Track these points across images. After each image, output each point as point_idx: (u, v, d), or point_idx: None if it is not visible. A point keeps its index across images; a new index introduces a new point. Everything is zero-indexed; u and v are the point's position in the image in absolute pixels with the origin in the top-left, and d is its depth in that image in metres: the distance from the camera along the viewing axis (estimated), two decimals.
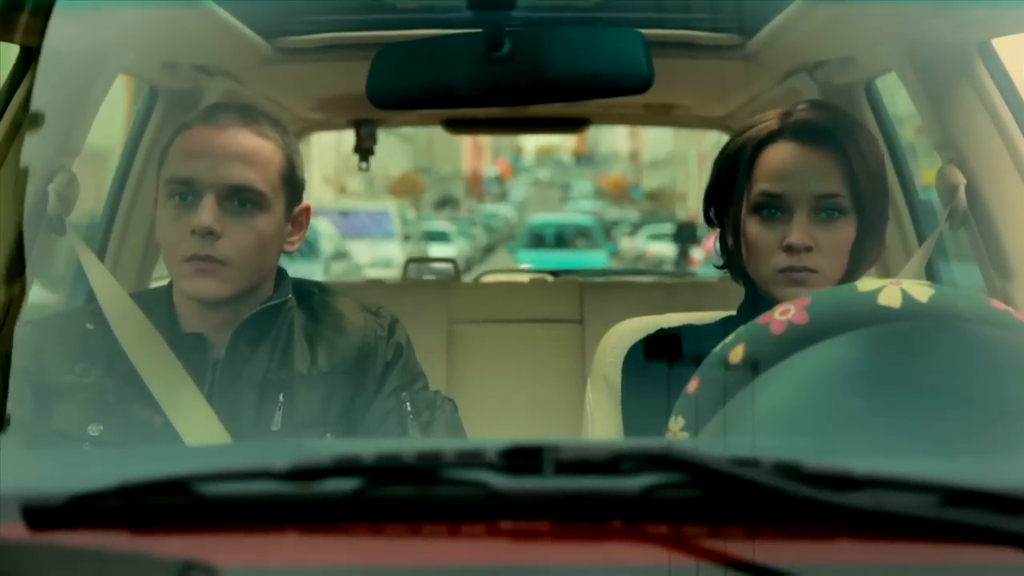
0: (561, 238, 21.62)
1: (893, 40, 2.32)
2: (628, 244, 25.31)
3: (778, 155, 1.85)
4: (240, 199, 1.81)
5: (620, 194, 44.74)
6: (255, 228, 1.83)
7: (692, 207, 28.28)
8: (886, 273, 2.92)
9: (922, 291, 1.40)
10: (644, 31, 2.03)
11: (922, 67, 2.29)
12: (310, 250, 13.63)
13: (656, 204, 38.51)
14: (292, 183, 1.89)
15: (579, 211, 34.66)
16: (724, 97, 3.71)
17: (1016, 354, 1.37)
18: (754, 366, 1.39)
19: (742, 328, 1.44)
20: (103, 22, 2.15)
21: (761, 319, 1.43)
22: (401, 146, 37.45)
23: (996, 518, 1.01)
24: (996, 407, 1.33)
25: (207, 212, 1.78)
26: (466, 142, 42.56)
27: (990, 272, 2.23)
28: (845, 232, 1.82)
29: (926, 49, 2.26)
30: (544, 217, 26.16)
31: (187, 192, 1.81)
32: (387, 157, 32.94)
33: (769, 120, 1.88)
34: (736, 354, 1.41)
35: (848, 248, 1.83)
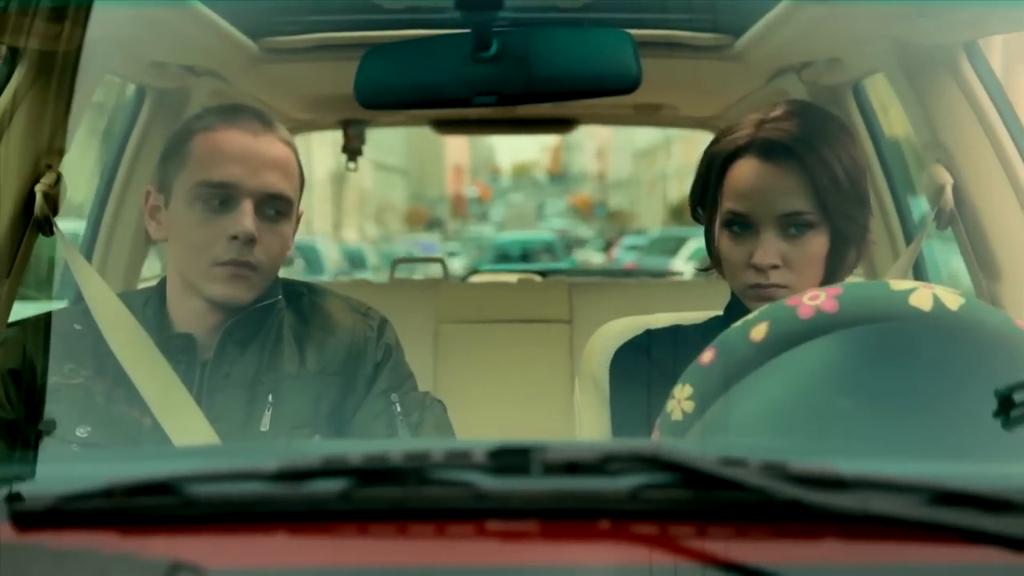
0: (525, 254, 22.53)
1: (880, 40, 2.32)
2: (581, 256, 29.69)
3: (742, 173, 1.82)
4: (274, 207, 1.83)
5: (588, 212, 46.40)
6: (282, 235, 1.85)
7: (641, 224, 37.03)
8: (872, 274, 2.93)
9: (953, 299, 1.38)
10: (632, 31, 2.03)
11: (909, 67, 2.29)
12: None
13: (615, 222, 40.52)
14: (301, 190, 1.92)
15: (550, 229, 36.93)
16: (712, 97, 3.71)
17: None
18: (776, 345, 1.38)
19: (767, 307, 1.43)
20: (90, 22, 2.14)
21: (789, 301, 1.41)
22: (400, 180, 45.88)
23: (982, 518, 1.01)
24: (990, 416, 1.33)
25: (248, 218, 1.79)
26: (449, 168, 46.82)
27: (977, 271, 2.24)
28: (816, 245, 1.80)
29: (913, 49, 2.26)
30: (509, 235, 28.86)
31: (223, 196, 1.80)
32: (389, 191, 42.82)
33: (745, 129, 1.85)
34: (759, 331, 1.39)
35: (822, 259, 1.81)
